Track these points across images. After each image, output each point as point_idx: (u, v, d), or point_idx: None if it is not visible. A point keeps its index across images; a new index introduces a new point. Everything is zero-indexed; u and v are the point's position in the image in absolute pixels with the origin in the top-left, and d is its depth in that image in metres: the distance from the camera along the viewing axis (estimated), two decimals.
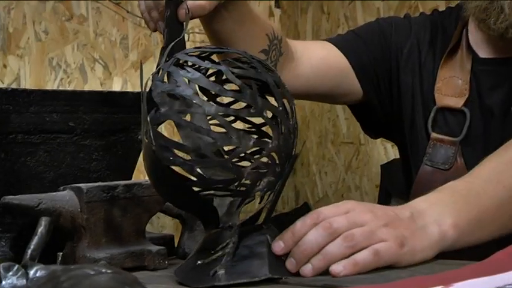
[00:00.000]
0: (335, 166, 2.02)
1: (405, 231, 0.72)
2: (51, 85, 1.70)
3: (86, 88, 1.75)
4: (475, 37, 1.12)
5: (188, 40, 1.96)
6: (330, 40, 1.20)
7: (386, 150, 1.87)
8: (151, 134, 0.68)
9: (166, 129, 1.80)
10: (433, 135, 1.11)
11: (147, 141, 0.68)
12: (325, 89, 1.18)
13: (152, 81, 0.70)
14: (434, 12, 1.24)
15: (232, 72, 0.69)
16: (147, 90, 0.70)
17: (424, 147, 1.12)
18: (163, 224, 1.82)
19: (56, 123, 0.88)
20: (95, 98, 0.93)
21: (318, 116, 2.07)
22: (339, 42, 1.18)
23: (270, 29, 1.04)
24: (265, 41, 1.03)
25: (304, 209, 2.13)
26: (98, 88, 1.77)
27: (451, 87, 1.12)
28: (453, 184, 0.81)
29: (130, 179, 0.97)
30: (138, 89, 0.88)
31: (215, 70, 0.73)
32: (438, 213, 0.75)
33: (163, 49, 0.79)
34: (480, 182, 0.82)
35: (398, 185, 1.47)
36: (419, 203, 0.77)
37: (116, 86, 1.82)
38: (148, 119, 0.68)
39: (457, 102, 1.10)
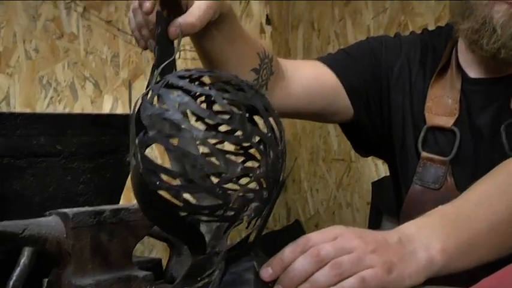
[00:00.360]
0: (326, 183, 2.02)
1: (393, 256, 0.71)
2: (41, 104, 1.69)
3: (77, 106, 1.75)
4: (465, 57, 1.13)
5: (179, 58, 1.95)
6: (320, 59, 1.20)
7: (377, 168, 1.87)
8: (139, 157, 0.67)
9: (158, 147, 1.80)
10: (424, 154, 1.11)
11: (134, 163, 0.68)
12: (316, 108, 1.17)
13: (142, 102, 0.70)
14: (424, 31, 1.24)
15: (222, 97, 0.69)
16: (137, 111, 0.70)
17: (414, 166, 1.12)
18: (153, 243, 1.81)
19: (43, 146, 0.87)
20: (83, 120, 0.93)
21: (309, 133, 2.07)
22: (330, 61, 1.18)
23: (261, 48, 1.04)
24: (256, 60, 1.02)
25: (295, 227, 2.13)
26: (89, 106, 1.77)
27: (441, 107, 1.11)
28: (442, 208, 0.81)
29: (119, 201, 0.96)
30: (128, 108, 0.88)
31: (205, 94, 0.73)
32: (426, 237, 0.75)
33: (154, 67, 0.78)
34: (470, 205, 0.81)
35: (389, 203, 1.47)
36: (408, 227, 0.77)
37: (107, 104, 1.81)
38: (137, 141, 0.68)
39: (447, 122, 1.10)
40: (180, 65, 1.94)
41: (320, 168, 2.04)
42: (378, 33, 1.83)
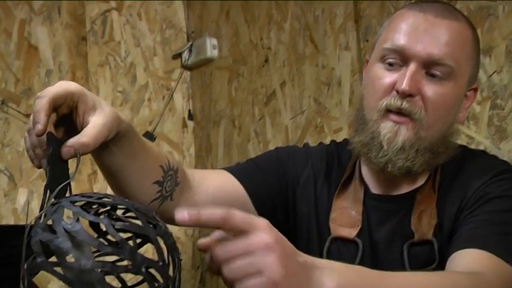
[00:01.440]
0: None
1: None
2: None
3: None
4: (365, 171, 1.18)
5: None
6: (228, 169, 1.22)
7: None
8: (26, 284, 0.67)
9: None
10: None
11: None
12: None
13: (33, 226, 0.70)
14: (332, 143, 1.29)
15: (114, 226, 0.70)
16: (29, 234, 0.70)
17: None
18: None
19: None
20: None
21: None
22: (237, 171, 1.20)
23: (165, 160, 1.04)
24: (159, 173, 1.03)
25: None
26: (1, 199, 1.74)
27: (345, 218, 1.15)
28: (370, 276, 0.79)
29: None
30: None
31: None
32: None
33: (46, 187, 0.78)
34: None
35: None
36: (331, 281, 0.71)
37: (22, 197, 1.79)
38: (25, 266, 0.68)
39: (350, 233, 1.14)
40: None
41: None
42: (296, 134, 1.89)
